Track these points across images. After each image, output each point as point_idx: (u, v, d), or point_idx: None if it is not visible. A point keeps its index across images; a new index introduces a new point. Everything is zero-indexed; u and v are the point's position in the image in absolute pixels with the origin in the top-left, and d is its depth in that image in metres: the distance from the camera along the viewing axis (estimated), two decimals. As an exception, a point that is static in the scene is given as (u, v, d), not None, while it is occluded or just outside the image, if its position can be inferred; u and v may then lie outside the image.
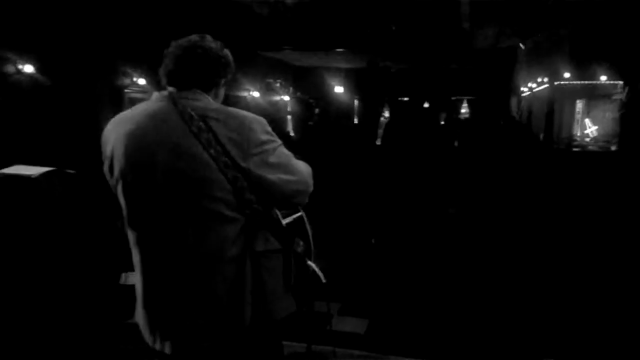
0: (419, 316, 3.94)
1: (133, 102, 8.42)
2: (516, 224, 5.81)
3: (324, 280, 1.67)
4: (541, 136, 10.95)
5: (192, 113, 1.46)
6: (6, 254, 3.03)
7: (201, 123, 1.45)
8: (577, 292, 4.21)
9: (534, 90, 12.11)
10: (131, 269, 1.67)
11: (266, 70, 12.22)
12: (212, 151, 1.43)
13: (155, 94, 1.56)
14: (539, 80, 11.57)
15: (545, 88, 11.60)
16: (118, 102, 7.97)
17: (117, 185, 1.54)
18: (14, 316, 3.03)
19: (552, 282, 4.45)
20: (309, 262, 1.68)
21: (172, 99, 1.50)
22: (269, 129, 1.53)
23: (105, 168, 1.56)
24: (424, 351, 3.30)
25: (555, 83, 11.28)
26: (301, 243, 1.65)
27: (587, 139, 12.17)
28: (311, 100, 10.87)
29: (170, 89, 1.55)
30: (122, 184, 1.52)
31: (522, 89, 12.35)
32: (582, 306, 3.96)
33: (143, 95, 8.80)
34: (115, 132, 1.53)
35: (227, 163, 1.43)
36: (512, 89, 12.39)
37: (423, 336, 3.58)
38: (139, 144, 1.48)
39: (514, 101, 12.53)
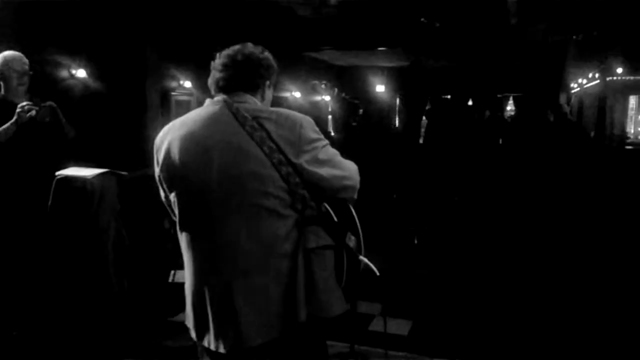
0: (463, 318, 3.87)
1: (180, 104, 8.65)
2: (565, 223, 5.63)
3: (378, 274, 1.68)
4: (592, 134, 10.55)
5: (245, 114, 1.54)
6: (61, 251, 3.18)
7: (254, 123, 1.52)
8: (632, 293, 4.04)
9: (584, 86, 11.69)
10: (178, 267, 1.73)
11: (308, 70, 12.27)
12: (265, 148, 1.49)
13: (208, 100, 1.64)
14: (590, 76, 11.15)
15: (596, 84, 11.18)
16: (166, 104, 8.19)
17: (171, 188, 1.60)
18: (71, 312, 3.17)
19: (605, 282, 4.30)
20: (361, 257, 1.68)
21: (225, 103, 1.58)
22: (317, 128, 1.60)
23: (157, 172, 1.63)
24: (468, 354, 3.25)
25: (607, 79, 10.85)
26: (352, 238, 1.66)
27: (640, 137, 11.66)
28: (355, 101, 10.86)
29: (221, 95, 1.62)
30: (176, 186, 1.58)
31: (571, 85, 11.93)
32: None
33: (189, 98, 9.02)
34: (168, 138, 1.60)
35: (280, 160, 1.49)
36: (561, 85, 11.99)
37: (468, 338, 3.52)
38: (195, 145, 1.54)
39: (563, 98, 12.12)
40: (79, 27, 6.42)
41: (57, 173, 3.15)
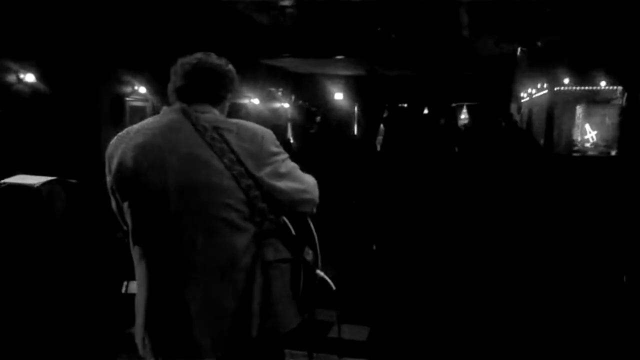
0: (420, 323, 3.93)
1: (134, 110, 8.44)
2: (517, 229, 5.80)
3: (334, 288, 1.69)
4: (541, 141, 10.95)
5: (205, 124, 1.50)
6: (7, 262, 3.04)
7: (214, 133, 1.48)
8: (578, 297, 4.20)
9: (533, 96, 12.13)
10: (132, 278, 1.67)
11: (266, 77, 12.26)
12: (225, 160, 1.46)
13: (165, 108, 1.60)
14: (539, 86, 11.59)
15: (544, 94, 11.63)
16: (119, 110, 7.98)
17: (125, 197, 1.54)
18: (13, 323, 3.03)
19: (553, 286, 4.45)
20: (318, 271, 1.69)
21: (184, 112, 1.53)
22: (277, 141, 1.59)
23: (110, 181, 1.56)
24: (425, 358, 3.29)
25: (555, 89, 11.30)
26: (310, 252, 1.67)
27: (587, 144, 12.15)
28: (313, 108, 10.91)
29: (180, 103, 1.58)
30: (130, 196, 1.52)
31: (521, 94, 12.36)
32: (585, 315, 3.95)
33: (144, 104, 8.82)
34: (122, 146, 1.53)
35: (241, 172, 1.47)
36: (512, 95, 12.41)
37: (424, 343, 3.57)
38: (150, 154, 1.49)
39: (513, 107, 12.55)
40: (28, 31, 6.21)
41: (1, 181, 3.02)
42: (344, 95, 13.95)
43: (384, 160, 8.22)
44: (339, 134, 10.51)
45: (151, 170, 1.48)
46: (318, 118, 10.95)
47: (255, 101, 12.05)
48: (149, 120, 1.59)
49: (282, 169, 1.55)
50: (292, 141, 11.05)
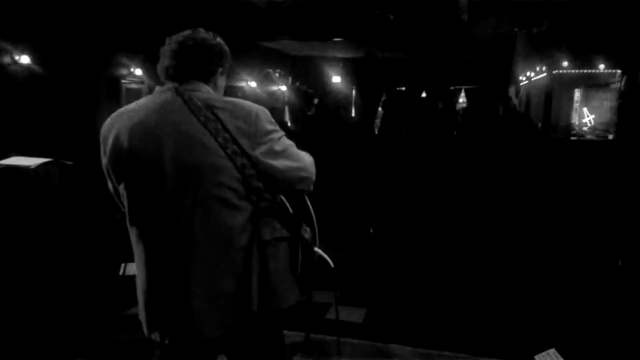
0: (416, 304, 3.96)
1: (130, 92, 8.40)
2: (514, 212, 5.83)
3: (332, 265, 1.69)
4: (539, 125, 10.94)
5: (198, 103, 1.49)
6: (4, 243, 3.04)
7: (208, 112, 1.47)
8: (576, 283, 4.23)
9: (532, 79, 12.08)
10: (130, 259, 1.67)
11: (264, 60, 12.17)
12: (220, 139, 1.45)
13: (158, 88, 1.58)
14: (537, 69, 11.54)
15: (543, 77, 11.59)
16: (116, 92, 7.94)
17: (121, 178, 1.53)
18: (9, 306, 3.04)
19: (548, 272, 4.48)
20: (316, 249, 1.69)
21: (176, 90, 1.52)
22: (272, 119, 1.57)
23: (106, 162, 1.56)
24: (421, 339, 3.32)
25: (554, 72, 11.26)
26: (308, 229, 1.67)
27: (585, 128, 12.16)
28: (310, 91, 10.84)
29: (171, 83, 1.56)
30: (126, 176, 1.52)
31: (520, 78, 12.32)
32: (579, 298, 3.98)
33: (140, 86, 8.77)
34: (117, 126, 1.52)
35: (235, 151, 1.46)
36: (510, 78, 12.35)
37: (420, 324, 3.60)
38: (144, 135, 1.48)
39: (512, 90, 12.49)
40: (23, 12, 6.13)
41: (-2, 163, 3.00)
42: (341, 78, 13.86)
43: (382, 143, 8.21)
44: (337, 117, 10.45)
45: (146, 151, 1.47)
46: (316, 100, 10.88)
47: (252, 84, 11.98)
48: (142, 101, 1.58)
49: (278, 147, 1.54)
50: (289, 124, 11.00)
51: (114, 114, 1.58)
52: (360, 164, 7.15)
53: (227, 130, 1.46)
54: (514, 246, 5.05)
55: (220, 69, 1.64)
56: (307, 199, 1.73)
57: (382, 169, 7.10)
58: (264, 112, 1.54)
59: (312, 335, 3.16)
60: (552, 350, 2.87)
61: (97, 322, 3.33)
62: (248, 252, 1.51)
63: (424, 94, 12.53)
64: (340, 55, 13.51)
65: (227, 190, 1.47)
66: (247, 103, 1.55)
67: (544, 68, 11.28)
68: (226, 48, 1.66)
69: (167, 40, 1.60)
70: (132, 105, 1.58)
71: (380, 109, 11.77)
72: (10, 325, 3.00)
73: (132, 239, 1.58)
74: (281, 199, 1.62)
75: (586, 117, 12.34)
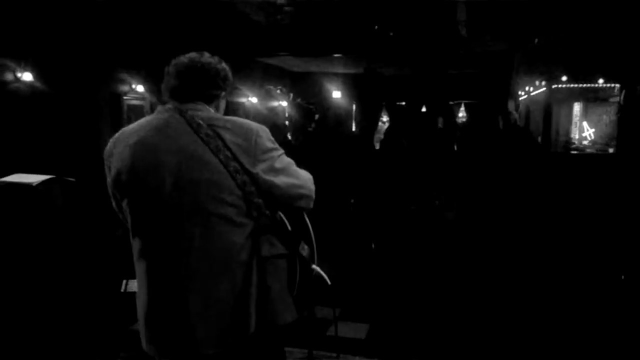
0: (419, 320, 3.93)
1: (131, 109, 8.43)
2: (516, 226, 5.81)
3: (329, 283, 1.70)
4: (539, 139, 10.96)
5: (200, 121, 1.52)
6: (6, 261, 3.03)
7: (209, 130, 1.51)
8: (577, 295, 4.21)
9: (531, 94, 12.14)
10: (131, 276, 1.68)
11: (264, 76, 12.24)
12: (221, 156, 1.48)
13: (160, 107, 1.62)
14: (536, 83, 11.60)
15: (542, 91, 11.63)
16: (117, 109, 7.96)
17: (124, 195, 1.56)
18: (12, 323, 3.02)
19: (552, 284, 4.45)
20: (314, 266, 1.70)
21: (178, 110, 1.56)
22: (272, 137, 1.61)
23: (110, 180, 1.60)
24: (424, 356, 3.29)
25: (553, 86, 11.31)
26: (306, 247, 1.68)
27: (585, 142, 12.19)
28: (311, 106, 10.89)
29: (174, 102, 1.60)
30: (129, 193, 1.55)
31: (519, 92, 12.38)
32: (584, 313, 3.96)
33: (141, 102, 8.81)
34: (120, 145, 1.57)
35: (236, 168, 1.49)
36: (509, 93, 12.41)
37: (424, 340, 3.57)
38: (146, 152, 1.52)
39: (511, 104, 12.53)
40: (26, 30, 6.19)
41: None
42: (342, 94, 13.94)
43: (382, 157, 8.23)
44: (337, 132, 10.47)
45: (148, 169, 1.50)
46: (317, 116, 10.93)
47: (253, 100, 12.03)
48: (144, 120, 1.62)
49: (278, 165, 1.57)
50: (290, 139, 11.03)
51: (117, 133, 1.62)
52: (362, 179, 7.15)
53: (228, 148, 1.49)
54: (517, 261, 5.03)
55: (223, 93, 1.68)
56: (306, 216, 1.74)
57: (383, 183, 7.10)
58: (264, 131, 1.58)
59: (314, 352, 3.13)
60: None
61: (100, 338, 3.32)
62: (248, 269, 1.52)
63: (423, 109, 12.57)
64: (340, 70, 13.59)
65: (227, 207, 1.49)
66: (247, 121, 1.59)
67: (542, 82, 11.33)
68: (229, 72, 1.70)
69: (173, 61, 1.64)
70: (135, 124, 1.62)
71: (380, 123, 11.83)
72: (13, 341, 2.98)
73: (134, 254, 1.60)
74: (280, 216, 1.64)
75: (586, 131, 12.38)
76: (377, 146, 10.28)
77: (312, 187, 1.68)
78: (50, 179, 3.13)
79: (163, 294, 1.53)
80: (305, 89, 13.86)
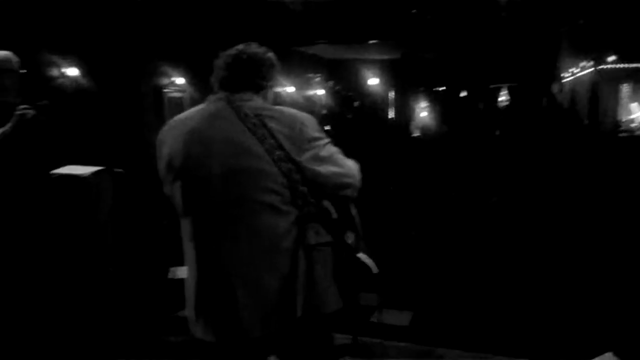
0: (464, 307, 3.89)
1: (172, 101, 8.59)
2: (562, 211, 5.66)
3: (375, 271, 1.70)
4: (585, 121, 10.60)
5: (247, 111, 1.55)
6: (59, 250, 3.15)
7: (256, 120, 1.53)
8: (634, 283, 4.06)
9: (576, 75, 11.74)
10: (178, 264, 1.72)
11: (300, 65, 12.24)
12: (267, 145, 1.50)
13: (210, 97, 1.66)
14: (582, 64, 11.20)
15: (588, 72, 11.23)
16: (159, 101, 8.14)
17: (175, 181, 1.60)
18: (66, 311, 3.15)
19: (601, 272, 4.32)
20: (359, 254, 1.70)
21: (227, 100, 1.59)
22: (318, 126, 1.62)
23: (161, 166, 1.64)
24: (471, 343, 3.26)
25: (599, 67, 10.90)
26: (351, 235, 1.68)
27: (633, 124, 11.71)
28: (350, 94, 10.85)
29: (223, 92, 1.63)
30: (180, 179, 1.58)
31: (564, 74, 11.98)
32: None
33: (181, 95, 8.97)
34: (172, 132, 1.62)
35: (281, 156, 1.51)
36: (554, 75, 12.02)
37: (470, 327, 3.53)
38: (198, 140, 1.56)
39: (555, 87, 12.16)
40: (70, 26, 6.37)
41: (52, 172, 3.12)
42: (379, 80, 13.79)
43: (423, 145, 8.13)
44: (375, 120, 10.43)
45: (198, 156, 1.54)
46: (356, 103, 10.88)
47: (290, 89, 12.06)
48: (195, 109, 1.66)
49: (323, 153, 1.57)
50: (328, 127, 11.03)
51: (170, 121, 1.67)
52: (401, 166, 7.10)
53: (273, 136, 1.51)
54: (564, 246, 4.89)
55: (270, 82, 1.70)
56: (351, 204, 1.74)
57: (422, 171, 7.03)
58: (310, 120, 1.60)
59: (359, 338, 3.14)
60: (609, 354, 2.76)
61: (147, 323, 3.42)
62: (294, 257, 1.54)
63: (463, 94, 12.32)
64: (376, 57, 13.44)
65: (273, 195, 1.51)
66: (294, 111, 1.61)
67: (589, 63, 10.93)
68: (275, 61, 1.72)
69: (221, 54, 1.68)
70: (186, 113, 1.67)
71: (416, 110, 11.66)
72: (63, 325, 3.11)
73: (183, 239, 1.64)
74: (325, 205, 1.64)
75: (634, 113, 11.89)
76: (416, 133, 10.17)
77: (358, 176, 1.68)
78: (100, 170, 3.22)
79: (210, 277, 1.57)
80: (341, 76, 13.79)
